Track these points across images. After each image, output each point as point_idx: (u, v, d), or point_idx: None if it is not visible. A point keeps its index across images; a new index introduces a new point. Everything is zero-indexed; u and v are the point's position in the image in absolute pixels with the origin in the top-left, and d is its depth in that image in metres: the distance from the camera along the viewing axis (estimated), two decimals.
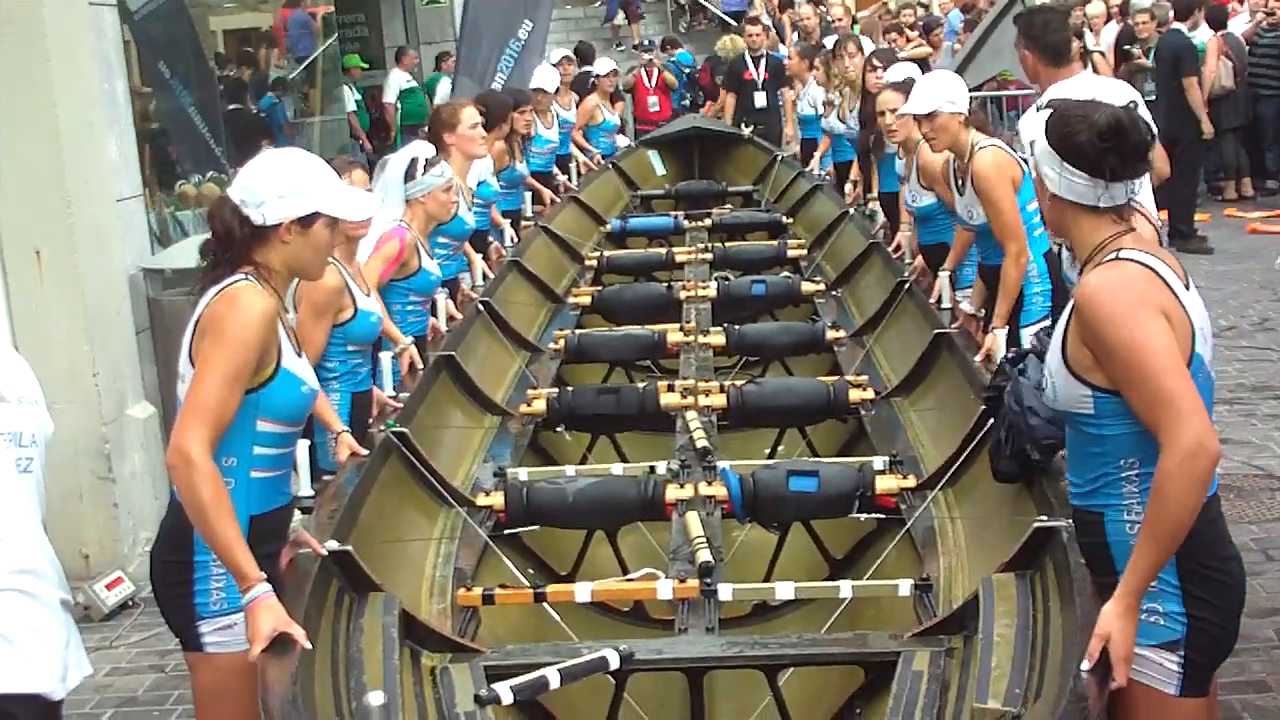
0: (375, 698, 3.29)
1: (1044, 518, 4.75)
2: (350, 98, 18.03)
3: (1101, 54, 16.53)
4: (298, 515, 4.77)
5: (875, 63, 10.51)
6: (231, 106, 12.89)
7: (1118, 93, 5.84)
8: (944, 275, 7.83)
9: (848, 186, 11.85)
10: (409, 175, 7.34)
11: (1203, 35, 16.73)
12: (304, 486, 5.49)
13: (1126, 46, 16.73)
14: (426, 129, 9.00)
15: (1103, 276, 3.74)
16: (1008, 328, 6.83)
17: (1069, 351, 3.82)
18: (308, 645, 4.04)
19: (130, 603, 7.64)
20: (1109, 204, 3.85)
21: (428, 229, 7.42)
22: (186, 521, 4.31)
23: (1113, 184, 3.84)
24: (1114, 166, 3.82)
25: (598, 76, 16.20)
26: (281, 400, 4.36)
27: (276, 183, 4.33)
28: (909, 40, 18.36)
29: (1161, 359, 3.60)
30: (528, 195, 12.38)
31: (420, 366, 7.15)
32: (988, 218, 7.16)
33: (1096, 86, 7.53)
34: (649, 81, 19.33)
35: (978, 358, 6.72)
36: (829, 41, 15.04)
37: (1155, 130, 4.12)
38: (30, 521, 3.84)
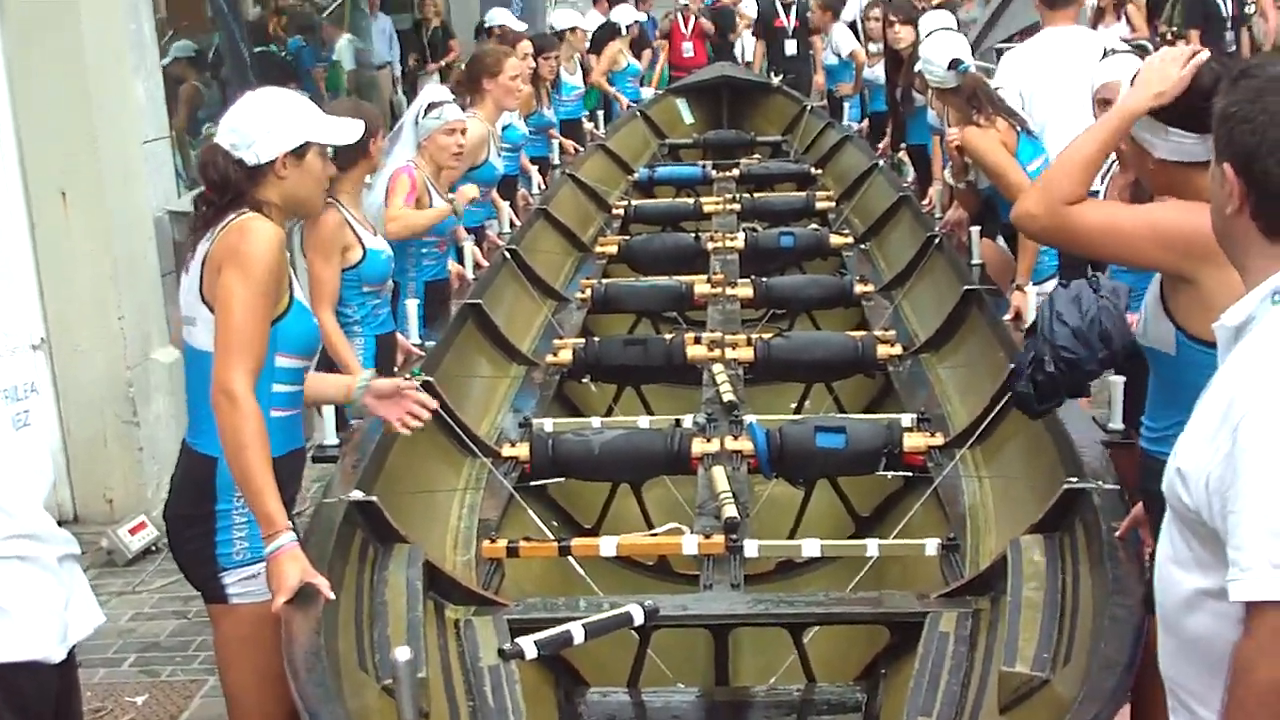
0: (402, 653, 3.26)
1: (1073, 479, 4.71)
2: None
3: (1136, 6, 16.25)
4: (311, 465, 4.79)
5: (892, 18, 10.47)
6: (258, 49, 12.84)
7: (1095, 42, 5.87)
8: (974, 230, 7.77)
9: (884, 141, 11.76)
10: (418, 118, 7.36)
11: None
12: (329, 435, 5.48)
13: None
14: (464, 69, 9.00)
15: None
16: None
17: (1165, 289, 3.79)
18: (331, 596, 4.03)
19: (154, 548, 7.62)
20: None
21: (437, 173, 7.38)
22: (202, 473, 4.33)
23: None
24: None
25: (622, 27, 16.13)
26: (297, 332, 4.38)
27: (264, 120, 4.34)
28: None
29: None
30: (555, 142, 12.34)
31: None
32: (992, 183, 7.15)
33: (1078, 38, 7.61)
34: (685, 27, 19.21)
35: (1007, 316, 6.68)
36: None
37: None
38: (29, 480, 3.77)
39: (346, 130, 4.56)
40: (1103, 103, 5.67)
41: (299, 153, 4.36)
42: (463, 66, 10.42)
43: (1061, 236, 4.19)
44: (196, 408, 4.39)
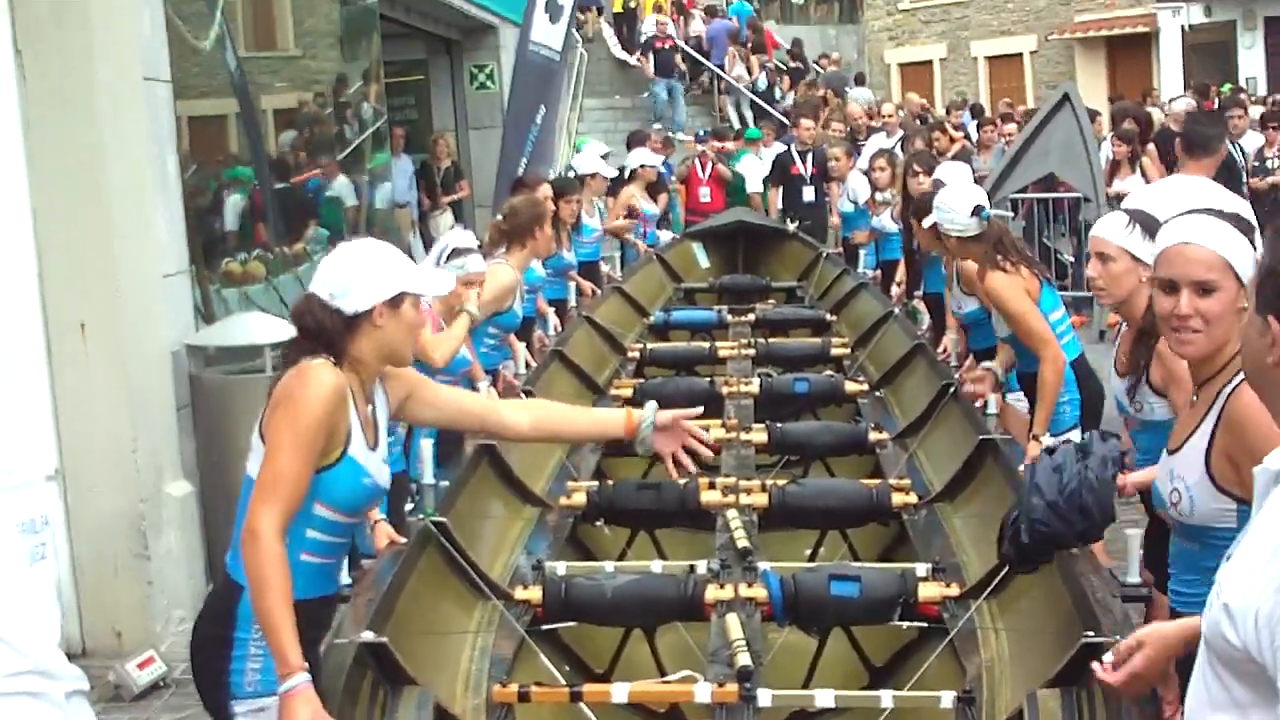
0: None
1: (1090, 633, 4.67)
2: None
3: (1151, 160, 16.20)
4: None
5: (915, 168, 10.56)
6: (279, 185, 12.92)
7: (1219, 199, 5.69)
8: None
9: (894, 288, 11.83)
10: (439, 261, 7.41)
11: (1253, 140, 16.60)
12: (341, 575, 5.45)
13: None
14: (504, 218, 9.02)
15: None
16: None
17: (1213, 463, 3.77)
18: None
19: (162, 683, 7.55)
20: None
21: (449, 314, 7.43)
22: (230, 597, 4.31)
23: None
24: None
25: (635, 169, 16.28)
26: (342, 488, 4.35)
27: (361, 270, 4.40)
28: (952, 140, 18.37)
29: None
30: (573, 285, 12.40)
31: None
32: (1014, 331, 7.16)
33: (1202, 191, 7.36)
34: (702, 172, 19.37)
35: (1022, 465, 6.66)
36: (874, 141, 15.15)
37: None
38: (42, 614, 3.75)
39: (439, 282, 4.68)
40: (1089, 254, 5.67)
41: (394, 302, 4.41)
42: (491, 209, 10.49)
43: None
44: (238, 533, 4.39)
